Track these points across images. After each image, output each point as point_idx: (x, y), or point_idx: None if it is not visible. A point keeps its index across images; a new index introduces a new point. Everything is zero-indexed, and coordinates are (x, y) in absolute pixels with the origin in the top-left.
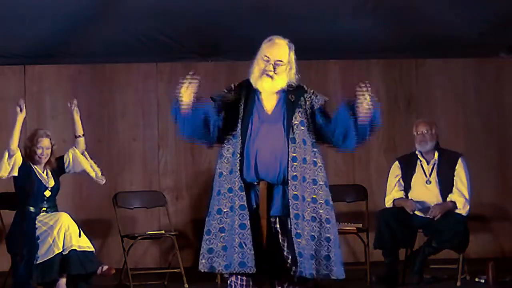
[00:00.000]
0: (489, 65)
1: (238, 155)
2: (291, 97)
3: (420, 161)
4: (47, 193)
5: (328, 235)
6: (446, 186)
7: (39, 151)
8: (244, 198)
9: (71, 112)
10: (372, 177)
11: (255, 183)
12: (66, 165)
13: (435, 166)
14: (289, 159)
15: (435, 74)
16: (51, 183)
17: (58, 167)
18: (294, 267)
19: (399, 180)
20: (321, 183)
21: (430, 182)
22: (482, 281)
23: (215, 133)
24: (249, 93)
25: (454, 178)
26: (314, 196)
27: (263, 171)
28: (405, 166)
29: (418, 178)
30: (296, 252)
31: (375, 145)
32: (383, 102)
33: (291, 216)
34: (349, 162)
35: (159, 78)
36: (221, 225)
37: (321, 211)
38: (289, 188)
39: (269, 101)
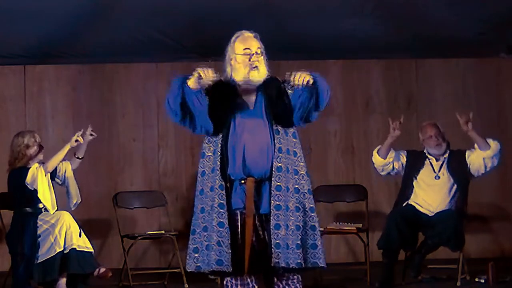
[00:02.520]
0: (489, 65)
1: (219, 153)
2: (268, 90)
3: (429, 159)
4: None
5: (314, 223)
6: (460, 179)
7: (40, 148)
8: (224, 196)
9: (86, 136)
10: (372, 177)
11: (243, 181)
12: (57, 171)
13: (445, 163)
14: (275, 150)
15: (435, 74)
16: (53, 199)
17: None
18: (270, 260)
19: (398, 152)
20: (302, 172)
21: (439, 178)
22: (482, 281)
23: (198, 119)
24: (227, 91)
25: (469, 162)
26: (297, 186)
27: (252, 166)
28: (412, 160)
29: (425, 174)
30: (273, 244)
31: (375, 145)
32: (383, 102)
33: (271, 207)
34: (349, 162)
35: (159, 78)
36: (204, 224)
37: (304, 200)
38: (272, 179)
39: (248, 97)
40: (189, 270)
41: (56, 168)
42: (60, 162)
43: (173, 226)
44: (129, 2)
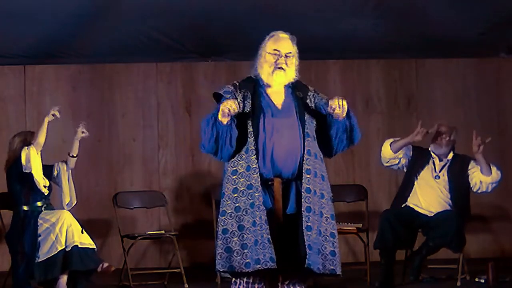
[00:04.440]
0: (489, 65)
1: (254, 152)
2: (298, 93)
3: (433, 158)
4: (45, 191)
5: (333, 231)
6: (456, 185)
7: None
8: (260, 196)
9: (76, 132)
10: (372, 177)
11: (270, 182)
12: (54, 174)
13: (447, 165)
14: (305, 152)
15: (435, 74)
16: (47, 182)
17: (45, 171)
18: (303, 261)
19: (409, 150)
20: (327, 179)
21: (439, 177)
22: (482, 281)
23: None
24: (255, 89)
25: (469, 173)
26: (323, 192)
27: (280, 165)
28: (417, 155)
29: (427, 172)
30: (306, 245)
31: (375, 145)
32: (383, 102)
33: (302, 209)
34: (349, 162)
35: (159, 78)
36: (241, 223)
37: (327, 207)
38: (302, 181)
39: (277, 96)
40: (221, 270)
41: (53, 170)
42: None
43: (173, 226)
44: (129, 2)
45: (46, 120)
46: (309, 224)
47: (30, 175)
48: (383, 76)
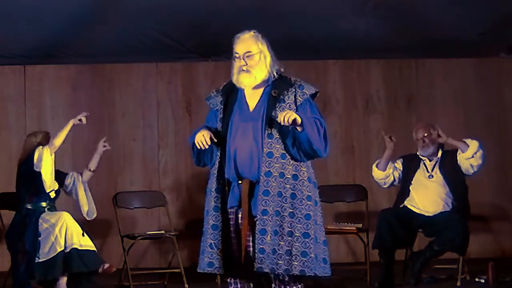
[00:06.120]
0: (489, 65)
1: (218, 156)
2: (274, 92)
3: (423, 160)
4: (52, 194)
5: (307, 231)
6: (451, 178)
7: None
8: (219, 199)
9: (99, 148)
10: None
11: (239, 182)
12: (67, 182)
13: (438, 163)
14: (264, 154)
15: (435, 74)
16: (56, 186)
17: (58, 176)
18: (256, 264)
19: (395, 162)
20: (302, 178)
21: (432, 177)
22: (482, 281)
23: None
24: (232, 92)
25: (459, 162)
26: (293, 192)
27: (242, 169)
28: (408, 164)
29: (420, 175)
30: (257, 249)
31: (375, 145)
32: (383, 102)
33: (258, 212)
34: (349, 162)
35: (159, 78)
36: (206, 226)
37: (301, 206)
38: (260, 183)
39: (252, 98)
40: (198, 271)
41: (65, 178)
42: (64, 139)
43: (173, 226)
44: (129, 2)
45: (71, 123)
46: (263, 227)
47: (38, 177)
48: (383, 76)
